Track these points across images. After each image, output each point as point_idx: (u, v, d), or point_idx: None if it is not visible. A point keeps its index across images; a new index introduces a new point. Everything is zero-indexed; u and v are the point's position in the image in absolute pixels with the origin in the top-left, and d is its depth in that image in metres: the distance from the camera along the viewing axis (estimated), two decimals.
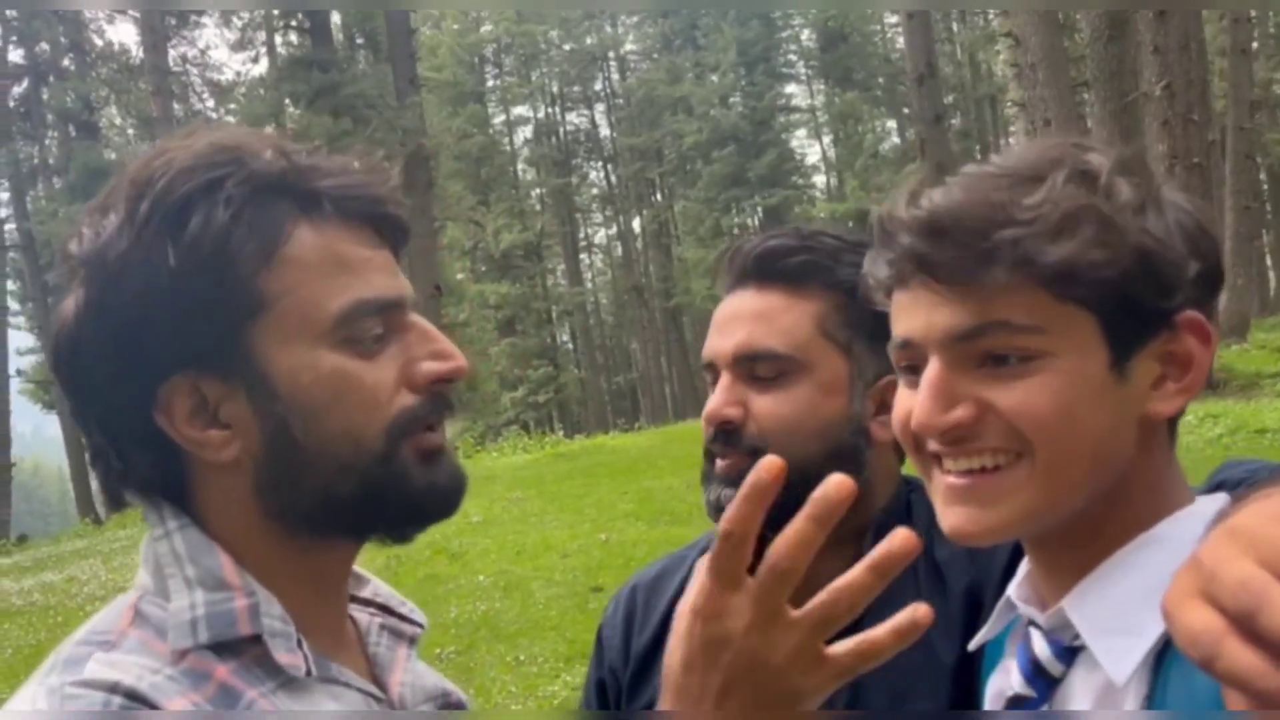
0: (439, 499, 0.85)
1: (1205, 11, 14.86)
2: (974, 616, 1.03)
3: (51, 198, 28.76)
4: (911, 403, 0.78)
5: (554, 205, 45.71)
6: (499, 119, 45.14)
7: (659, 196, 46.73)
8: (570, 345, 45.39)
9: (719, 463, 1.13)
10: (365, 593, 0.96)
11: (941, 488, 0.78)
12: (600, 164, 48.77)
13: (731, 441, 1.11)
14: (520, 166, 46.39)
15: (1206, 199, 11.72)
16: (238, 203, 0.78)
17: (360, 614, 0.94)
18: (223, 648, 0.78)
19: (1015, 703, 0.81)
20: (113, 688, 0.71)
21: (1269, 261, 32.45)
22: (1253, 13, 22.29)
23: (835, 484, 0.65)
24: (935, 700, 1.06)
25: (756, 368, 1.10)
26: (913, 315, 0.77)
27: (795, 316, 1.10)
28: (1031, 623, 0.81)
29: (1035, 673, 0.80)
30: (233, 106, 29.21)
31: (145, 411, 0.79)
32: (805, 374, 1.10)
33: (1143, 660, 0.73)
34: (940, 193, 0.75)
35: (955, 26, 39.12)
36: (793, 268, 1.12)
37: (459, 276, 31.64)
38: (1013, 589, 0.85)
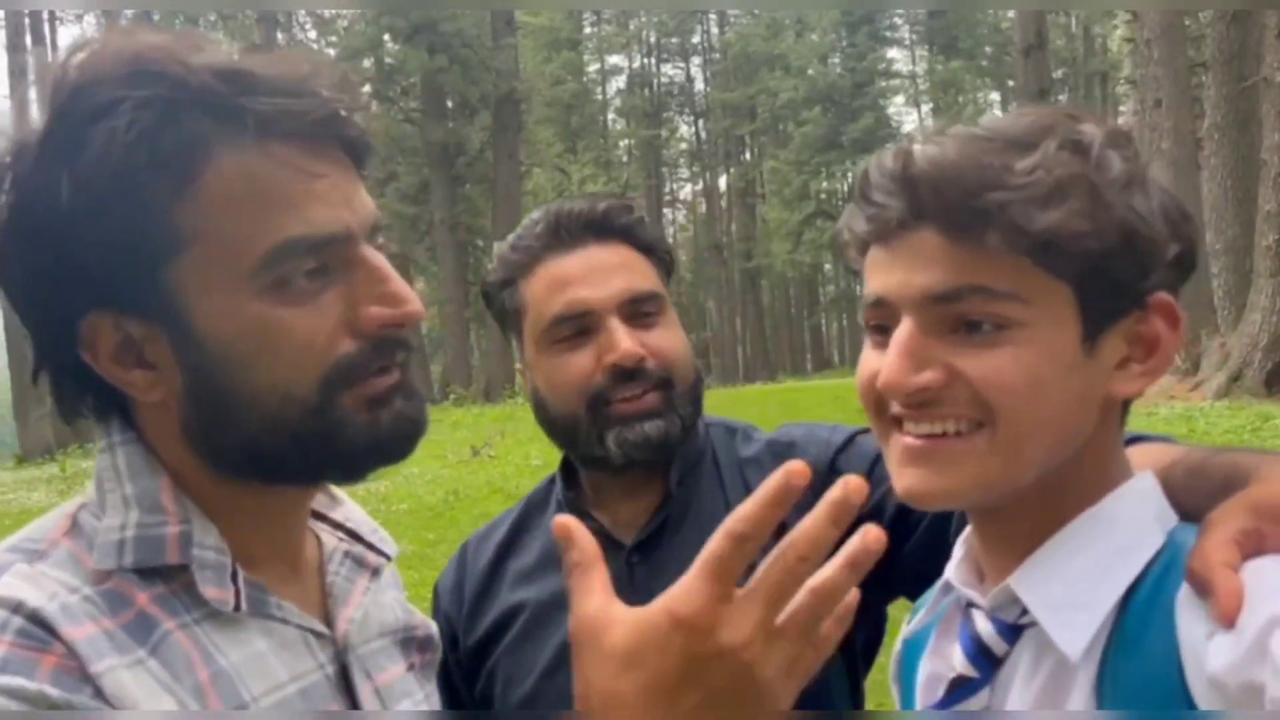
0: (382, 448, 0.78)
1: None
2: (780, 527, 1.13)
3: None
4: (877, 362, 0.76)
5: (641, 157, 45.52)
6: (593, 67, 44.94)
7: (748, 155, 46.18)
8: None
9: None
10: (336, 515, 0.91)
11: (899, 448, 0.77)
12: (691, 118, 48.32)
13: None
14: (610, 116, 46.23)
15: None
16: (144, 124, 0.68)
17: (329, 538, 0.90)
18: (152, 573, 0.74)
19: (958, 683, 0.80)
20: (16, 607, 0.67)
21: None
22: None
23: (853, 486, 0.61)
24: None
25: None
26: (890, 272, 0.75)
27: None
28: (970, 604, 0.81)
29: (979, 653, 0.79)
30: (333, 39, 29.61)
31: (71, 343, 0.74)
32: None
33: (1094, 635, 0.73)
34: (932, 149, 0.73)
35: None
36: None
37: None
38: (950, 572, 0.84)
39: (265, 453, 0.76)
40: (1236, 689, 0.64)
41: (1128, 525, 0.75)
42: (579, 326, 1.20)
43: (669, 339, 1.23)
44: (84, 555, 0.73)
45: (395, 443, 0.79)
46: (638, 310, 1.21)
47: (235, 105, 0.70)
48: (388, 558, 0.92)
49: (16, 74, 25.35)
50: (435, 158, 26.15)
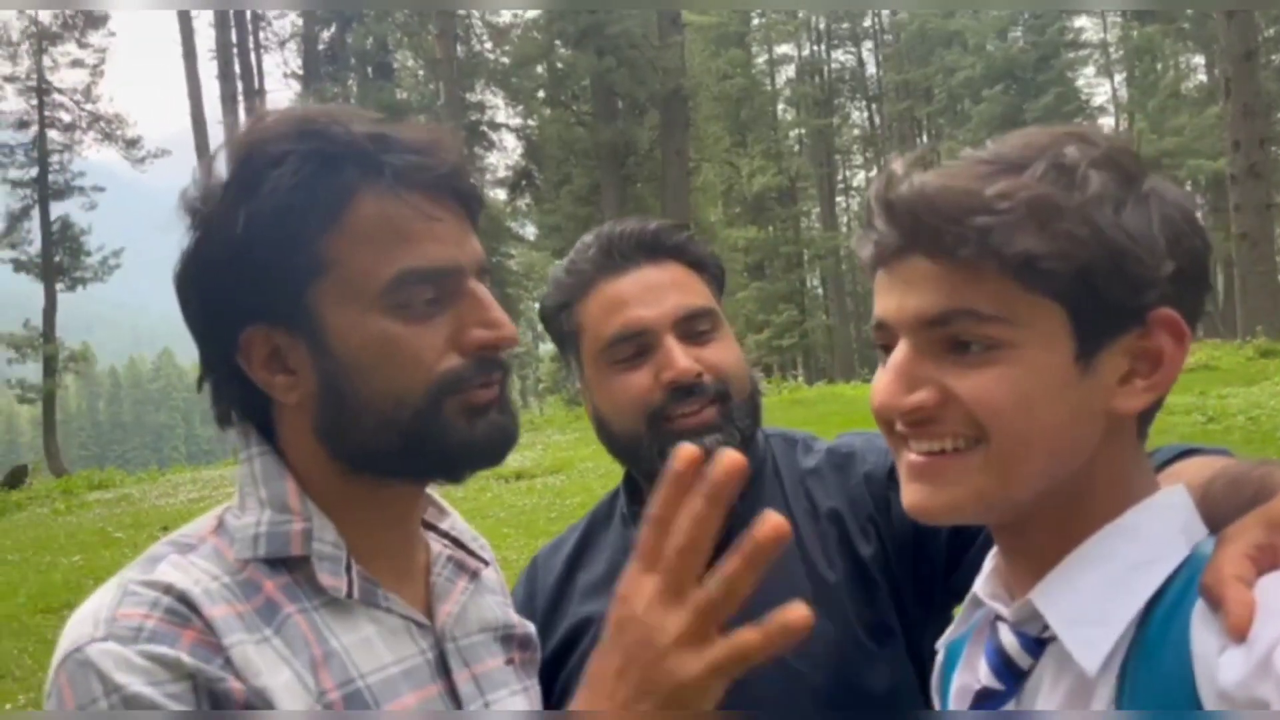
0: (479, 451, 0.91)
1: None
2: (841, 537, 1.22)
3: None
4: (875, 384, 0.80)
5: (812, 147, 44.82)
6: (761, 58, 44.60)
7: (924, 138, 44.65)
8: (820, 291, 44.75)
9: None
10: (444, 525, 1.05)
11: (905, 465, 0.80)
12: (864, 103, 47.19)
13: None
14: (780, 107, 45.73)
15: None
16: (305, 173, 0.85)
17: (436, 544, 1.02)
18: (279, 563, 0.88)
19: (983, 696, 0.82)
20: (166, 589, 0.82)
21: None
22: None
23: (727, 462, 0.68)
24: (832, 619, 1.16)
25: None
26: (888, 296, 0.78)
27: None
28: (998, 617, 0.82)
29: (1003, 666, 0.80)
30: (507, 48, 30.70)
31: (231, 352, 0.89)
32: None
33: (1113, 649, 0.73)
34: (925, 176, 0.75)
35: None
36: None
37: (712, 219, 31.83)
38: (979, 585, 0.86)
39: (380, 449, 0.89)
40: (1245, 704, 0.64)
41: (1149, 539, 0.76)
42: (636, 346, 1.22)
43: (724, 353, 1.24)
44: (226, 549, 0.89)
45: (490, 448, 0.92)
46: (692, 327, 1.23)
47: (377, 160, 0.87)
48: (485, 563, 1.05)
49: (227, 100, 27.65)
50: (606, 158, 26.69)
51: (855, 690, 1.15)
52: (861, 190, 48.59)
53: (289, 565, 0.89)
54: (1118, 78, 42.27)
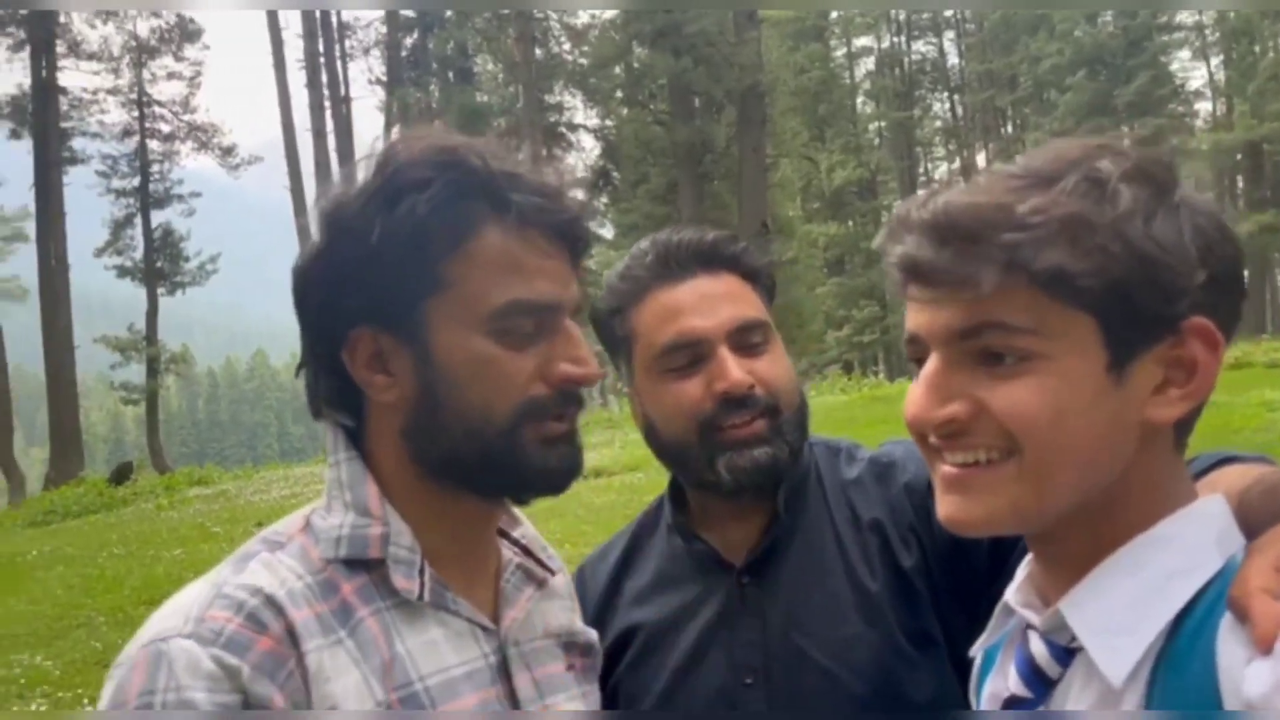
0: (547, 479, 0.97)
1: None
2: (883, 546, 1.24)
3: None
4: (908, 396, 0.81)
5: (892, 140, 44.11)
6: (840, 51, 44.06)
7: (1008, 128, 43.60)
8: None
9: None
10: (515, 533, 1.10)
11: (939, 476, 0.80)
12: (946, 94, 46.25)
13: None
14: (859, 100, 45.11)
15: None
16: (439, 199, 0.91)
17: (507, 552, 1.07)
18: (357, 564, 0.94)
19: (1011, 704, 0.82)
20: (255, 592, 0.88)
21: None
22: None
23: None
24: (874, 627, 1.19)
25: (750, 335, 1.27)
26: (919, 311, 0.79)
27: None
28: (1029, 625, 0.82)
29: (1033, 674, 0.81)
30: (585, 49, 30.92)
31: (337, 347, 0.95)
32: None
33: (1140, 660, 0.73)
34: (953, 194, 0.76)
35: None
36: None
37: (790, 215, 31.60)
38: (1010, 594, 0.86)
39: (461, 459, 0.95)
40: (1273, 716, 0.64)
41: (1182, 549, 0.75)
42: (690, 355, 1.22)
43: (775, 367, 1.25)
44: (311, 548, 0.95)
45: (559, 476, 0.98)
46: (746, 339, 1.23)
47: (507, 197, 0.93)
48: (552, 572, 1.11)
49: (315, 107, 28.46)
50: (683, 157, 26.70)
51: (897, 697, 1.17)
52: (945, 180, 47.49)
53: (367, 567, 0.95)
54: (1214, 60, 40.64)
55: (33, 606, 8.12)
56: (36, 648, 6.99)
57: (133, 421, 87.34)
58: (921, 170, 46.51)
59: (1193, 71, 41.61)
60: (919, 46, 45.93)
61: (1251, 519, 0.78)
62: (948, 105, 46.62)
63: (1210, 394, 0.77)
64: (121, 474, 17.70)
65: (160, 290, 31.54)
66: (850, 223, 38.54)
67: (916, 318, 0.79)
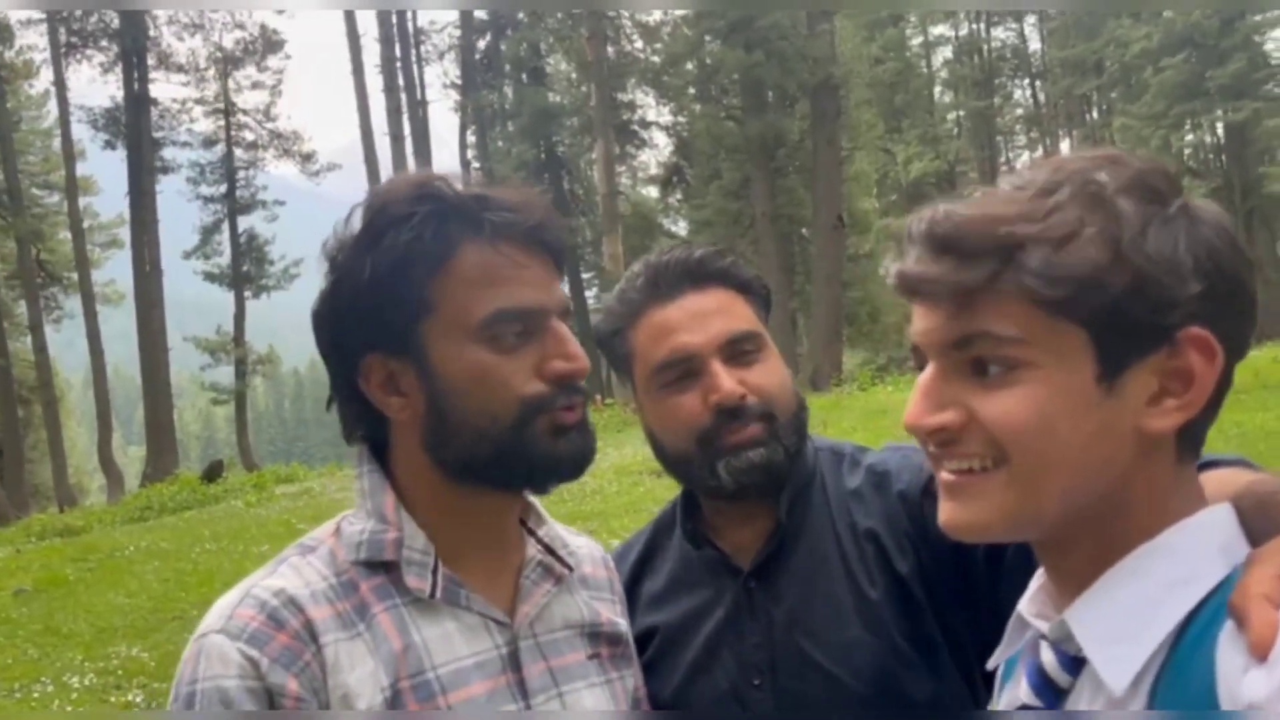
0: (561, 465, 1.06)
1: None
2: (880, 555, 1.28)
3: (506, 139, 32.64)
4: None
5: (972, 129, 43.23)
6: (916, 40, 43.31)
7: (1094, 115, 42.36)
8: None
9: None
10: (540, 531, 1.17)
11: (940, 482, 0.83)
12: (1027, 82, 45.14)
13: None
14: (937, 90, 44.30)
15: None
16: (419, 229, 1.01)
17: (532, 549, 1.15)
18: (377, 565, 1.04)
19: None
20: (277, 593, 1.00)
21: None
22: None
23: None
24: (874, 633, 1.24)
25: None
26: (918, 320, 0.82)
27: None
28: (1041, 635, 0.83)
29: (1043, 684, 0.81)
30: (658, 46, 30.95)
31: (354, 376, 1.05)
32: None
33: (1143, 668, 0.74)
34: (955, 205, 0.78)
35: None
36: None
37: (866, 208, 31.17)
38: (1024, 604, 0.87)
39: (476, 459, 1.04)
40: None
41: (1185, 558, 0.76)
42: (683, 370, 1.28)
43: (768, 375, 1.30)
44: (339, 551, 1.06)
45: (569, 464, 1.07)
46: (737, 350, 1.29)
47: (478, 217, 1.03)
48: (569, 568, 1.17)
49: (393, 112, 29.01)
50: (755, 152, 26.56)
51: (899, 698, 1.21)
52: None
53: (385, 568, 1.05)
54: None
55: (130, 600, 8.44)
56: (134, 640, 7.26)
57: (223, 420, 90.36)
58: (1003, 159, 45.48)
59: None
60: (998, 33, 44.86)
61: (1248, 526, 0.79)
62: (1029, 93, 45.48)
63: (1206, 403, 0.77)
64: (213, 472, 18.30)
65: (247, 294, 32.58)
66: None
67: (916, 327, 0.82)
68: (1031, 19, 43.46)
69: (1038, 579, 0.88)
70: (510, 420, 1.02)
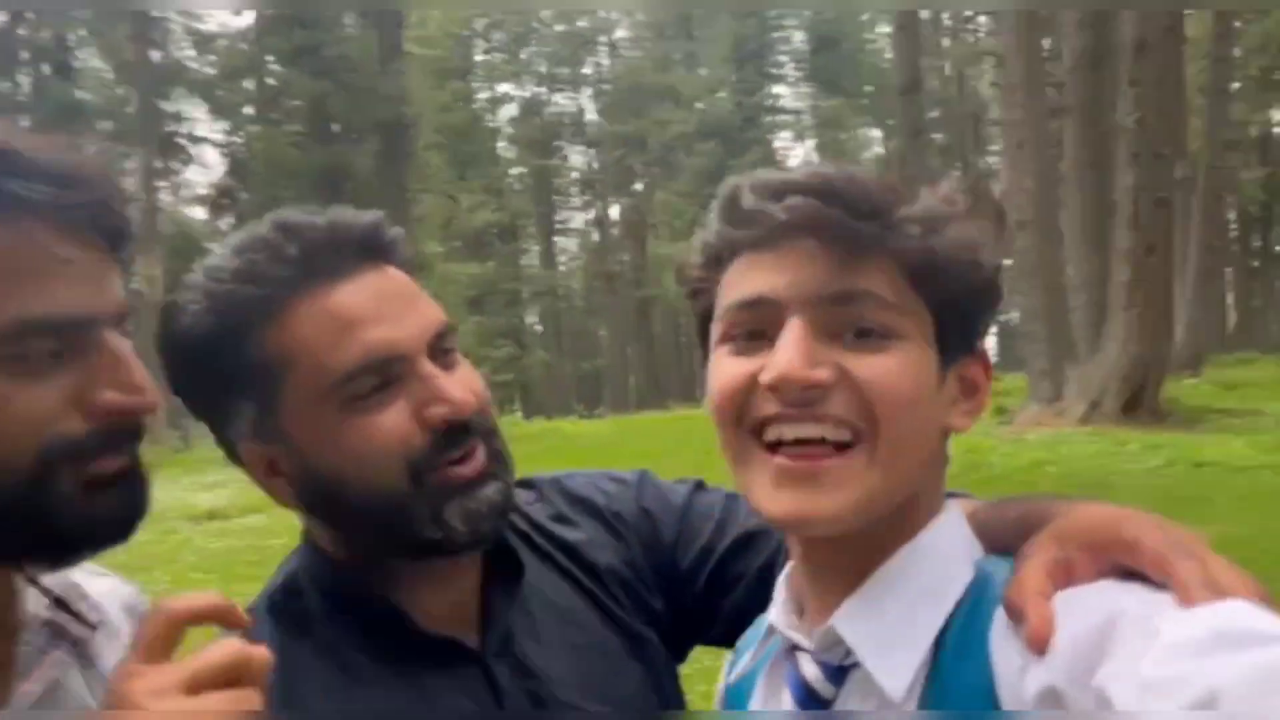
0: (94, 531, 0.79)
1: (1187, 48, 14.97)
2: (629, 593, 1.09)
3: None
4: (741, 368, 0.75)
5: (533, 186, 45.52)
6: (483, 94, 44.83)
7: (639, 186, 46.65)
8: (538, 327, 45.30)
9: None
10: (49, 581, 0.88)
11: (770, 470, 0.74)
12: (583, 148, 48.58)
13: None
14: (501, 144, 46.11)
15: (1169, 236, 11.87)
16: None
17: (36, 606, 0.86)
18: None
19: None
20: None
21: (1230, 300, 32.98)
22: (1236, 51, 22.56)
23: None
24: (627, 679, 1.04)
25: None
26: (776, 273, 0.75)
27: None
28: (795, 647, 0.80)
29: (807, 697, 0.78)
30: (213, 57, 28.75)
31: None
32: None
33: (915, 673, 0.73)
34: (826, 166, 0.77)
35: (946, 42, 39.30)
36: None
37: (429, 251, 31.36)
38: (774, 616, 0.83)
39: None
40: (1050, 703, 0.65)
41: (943, 558, 0.77)
42: (382, 377, 0.92)
43: (476, 379, 0.99)
44: None
45: (110, 527, 0.79)
46: (442, 347, 0.97)
47: (1, 184, 0.72)
48: (92, 626, 0.89)
49: None
50: (320, 182, 25.59)
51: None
52: (581, 231, 49.94)
53: None
54: (810, 142, 46.37)
55: None
56: None
57: None
58: (559, 218, 48.36)
59: (793, 151, 47.11)
60: (559, 99, 47.89)
61: (980, 537, 0.81)
62: (584, 158, 48.96)
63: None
64: None
65: None
66: (490, 263, 39.01)
67: (770, 280, 0.75)
68: (589, 89, 46.96)
69: (782, 589, 0.84)
70: (26, 471, 0.74)
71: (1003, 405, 12.40)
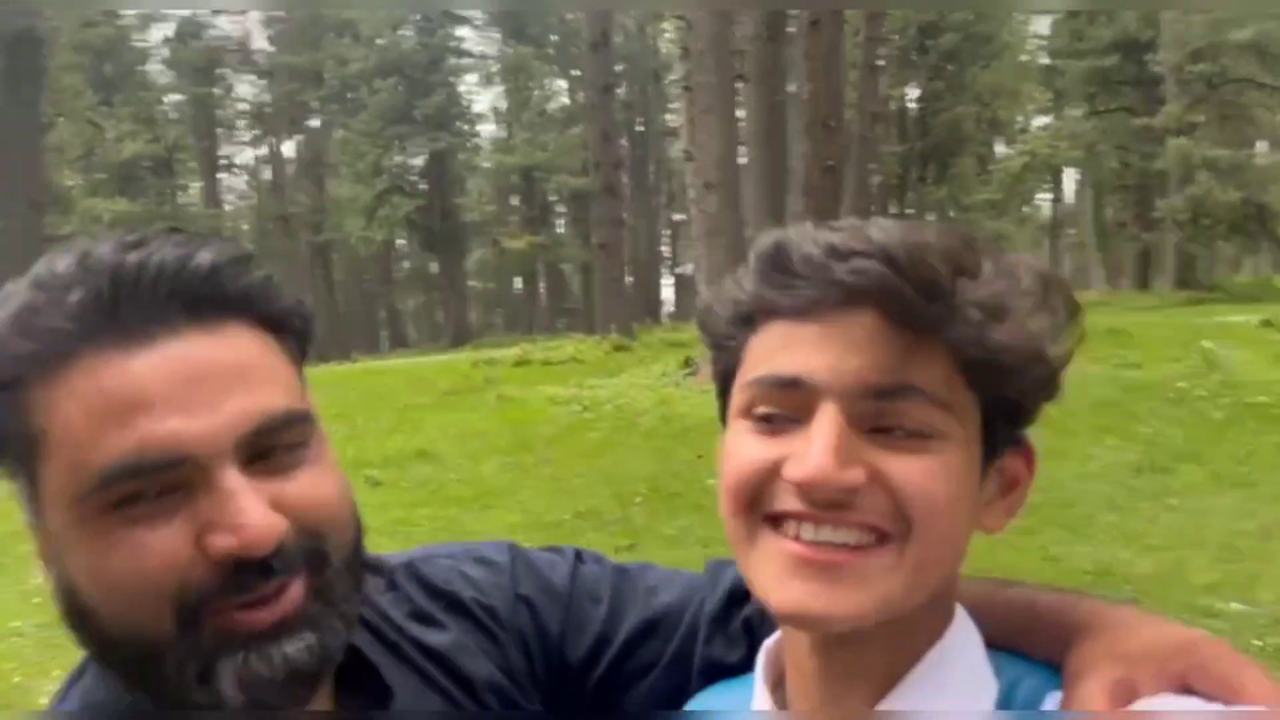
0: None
1: (847, 26, 16.30)
2: (510, 709, 0.91)
3: None
4: (762, 452, 0.67)
5: (192, 116, 41.42)
6: (132, 11, 39.90)
7: (315, 123, 43.91)
8: None
9: None
10: None
11: (782, 557, 0.66)
12: (252, 78, 44.84)
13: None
14: (156, 67, 41.45)
15: (837, 202, 12.96)
16: None
17: None
18: None
19: None
20: None
21: None
22: (884, 31, 24.98)
23: None
24: None
25: None
26: (818, 352, 0.65)
27: None
28: None
29: None
30: None
31: None
32: None
33: None
34: (888, 227, 0.66)
35: None
36: None
37: (68, 184, 27.64)
38: (760, 703, 0.77)
39: None
40: None
41: (972, 660, 0.72)
42: (164, 483, 0.69)
43: (321, 486, 0.74)
44: None
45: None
46: (268, 444, 0.72)
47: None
48: None
49: None
50: None
51: None
52: (250, 169, 46.26)
53: None
54: (498, 89, 45.85)
55: None
56: None
57: None
58: (223, 153, 44.44)
59: (478, 96, 46.36)
60: (222, 22, 43.72)
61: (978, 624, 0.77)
62: (253, 89, 45.20)
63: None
64: None
65: None
66: (143, 200, 35.14)
67: (809, 360, 0.66)
68: (258, 15, 43.27)
69: (762, 694, 0.76)
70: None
71: (690, 357, 13.04)
